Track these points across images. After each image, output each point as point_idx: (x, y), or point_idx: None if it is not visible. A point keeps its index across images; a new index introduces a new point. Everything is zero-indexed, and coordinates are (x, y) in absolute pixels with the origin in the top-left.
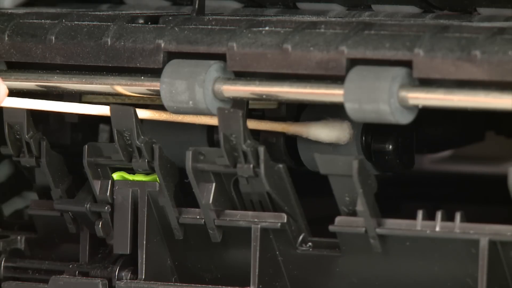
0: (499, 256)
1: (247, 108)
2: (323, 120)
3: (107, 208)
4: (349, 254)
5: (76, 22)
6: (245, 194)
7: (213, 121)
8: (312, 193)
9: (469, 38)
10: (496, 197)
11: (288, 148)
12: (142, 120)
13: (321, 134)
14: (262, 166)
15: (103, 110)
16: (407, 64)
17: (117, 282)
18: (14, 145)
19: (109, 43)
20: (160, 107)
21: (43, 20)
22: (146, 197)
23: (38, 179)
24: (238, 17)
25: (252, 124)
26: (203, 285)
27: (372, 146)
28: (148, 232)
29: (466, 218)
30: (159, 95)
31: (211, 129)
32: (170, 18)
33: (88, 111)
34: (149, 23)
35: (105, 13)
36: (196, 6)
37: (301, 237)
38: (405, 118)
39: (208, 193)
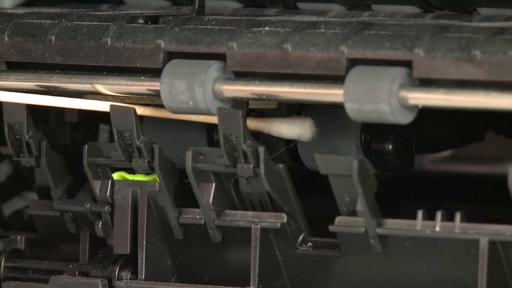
0: (499, 256)
1: (247, 108)
2: (286, 117)
3: (107, 208)
4: (349, 254)
5: (76, 22)
6: (245, 194)
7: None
8: (312, 193)
9: (469, 38)
10: (496, 197)
11: (288, 148)
12: (142, 120)
13: (282, 130)
14: (262, 166)
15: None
16: (407, 64)
17: (117, 282)
18: (14, 145)
19: (109, 43)
20: (160, 107)
21: (43, 20)
22: (146, 197)
23: (38, 179)
24: (238, 17)
25: (215, 119)
26: (203, 285)
27: (372, 146)
28: (148, 232)
29: (466, 218)
30: (159, 95)
31: (211, 129)
32: (170, 18)
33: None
34: (149, 23)
35: (105, 13)
36: (196, 6)
37: (301, 237)
38: (405, 118)
39: (208, 193)
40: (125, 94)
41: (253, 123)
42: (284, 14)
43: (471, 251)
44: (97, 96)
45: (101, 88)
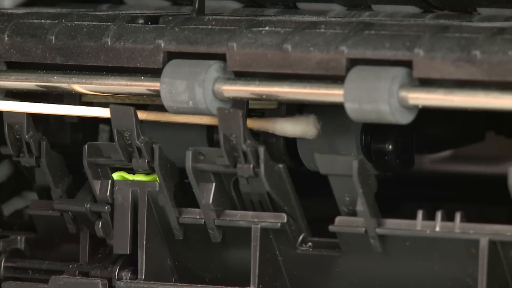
0: (499, 256)
1: (247, 108)
2: (289, 115)
3: (107, 208)
4: (349, 254)
5: (76, 22)
6: (245, 194)
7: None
8: (312, 193)
9: (469, 38)
10: (496, 197)
11: (288, 148)
12: (142, 120)
13: (286, 129)
14: (262, 166)
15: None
16: (407, 64)
17: (117, 282)
18: (14, 145)
19: (109, 43)
20: (161, 107)
21: (43, 20)
22: (146, 197)
23: (38, 179)
24: (238, 17)
25: (215, 120)
26: (203, 285)
27: (372, 146)
28: (148, 232)
29: (466, 218)
30: (159, 95)
31: (211, 129)
32: (170, 18)
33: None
34: (149, 23)
35: (105, 13)
36: (196, 6)
37: (301, 237)
38: (405, 118)
39: (208, 193)
40: (125, 94)
41: (256, 123)
42: (284, 14)
43: (471, 251)
44: (97, 98)
45: (101, 88)
